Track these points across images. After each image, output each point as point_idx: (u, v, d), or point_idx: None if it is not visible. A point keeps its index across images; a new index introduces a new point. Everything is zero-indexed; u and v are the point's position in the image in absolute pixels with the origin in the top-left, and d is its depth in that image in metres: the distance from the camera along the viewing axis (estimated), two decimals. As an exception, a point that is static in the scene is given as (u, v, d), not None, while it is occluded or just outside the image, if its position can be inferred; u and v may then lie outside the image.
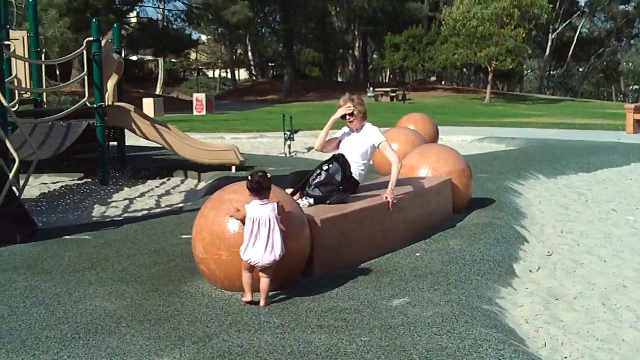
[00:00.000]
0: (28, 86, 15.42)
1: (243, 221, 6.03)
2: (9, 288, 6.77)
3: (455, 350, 5.01)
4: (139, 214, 11.12)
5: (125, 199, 12.59)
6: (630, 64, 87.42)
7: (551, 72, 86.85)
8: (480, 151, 19.14)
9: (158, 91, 61.54)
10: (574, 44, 76.98)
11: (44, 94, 16.88)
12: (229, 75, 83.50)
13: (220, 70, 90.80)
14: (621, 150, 18.52)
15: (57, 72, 33.34)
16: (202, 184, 14.18)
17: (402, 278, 6.80)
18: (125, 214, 11.10)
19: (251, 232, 5.97)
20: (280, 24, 72.68)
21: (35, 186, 13.91)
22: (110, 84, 15.40)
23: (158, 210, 11.43)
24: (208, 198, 6.78)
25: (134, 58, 75.75)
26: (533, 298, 6.76)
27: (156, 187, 14.07)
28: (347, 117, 8.21)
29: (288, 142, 19.69)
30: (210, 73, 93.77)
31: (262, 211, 5.99)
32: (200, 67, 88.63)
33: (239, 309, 5.99)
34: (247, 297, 6.07)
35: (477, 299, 6.26)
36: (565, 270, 7.77)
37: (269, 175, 6.06)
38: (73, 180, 14.70)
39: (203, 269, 6.54)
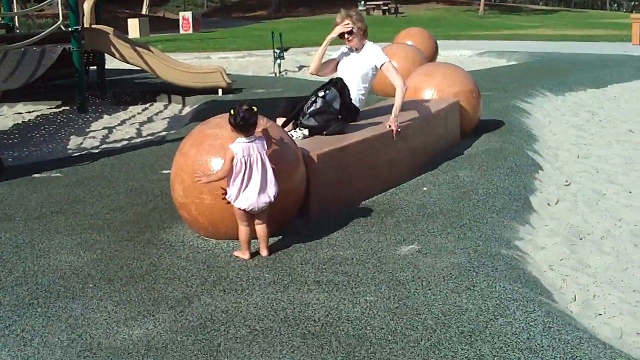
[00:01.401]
0: (-1, 10, 14.36)
1: (227, 171, 5.19)
2: (-36, 240, 5.98)
3: (478, 314, 4.24)
4: (118, 144, 10.27)
5: (104, 127, 11.70)
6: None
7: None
8: (482, 66, 18.18)
9: (144, 11, 59.99)
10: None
11: (16, 18, 15.80)
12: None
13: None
14: (630, 63, 17.57)
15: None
16: (187, 109, 13.27)
17: (409, 219, 6.01)
18: (104, 146, 10.24)
19: (243, 175, 5.15)
20: None
21: (9, 116, 13.00)
22: (87, 5, 14.31)
23: (139, 140, 10.57)
24: (188, 134, 5.93)
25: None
26: (555, 238, 6.01)
27: (138, 113, 13.16)
28: (346, 35, 7.31)
29: (278, 61, 18.70)
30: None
31: (251, 149, 5.15)
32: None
33: (225, 261, 5.22)
34: (246, 254, 5.28)
35: (496, 243, 5.49)
36: (587, 202, 7.00)
37: (254, 108, 5.20)
38: (50, 108, 13.77)
39: (184, 215, 5.74)
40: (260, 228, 5.28)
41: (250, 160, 5.12)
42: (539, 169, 7.95)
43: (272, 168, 5.21)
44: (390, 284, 4.69)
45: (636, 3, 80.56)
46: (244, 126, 5.13)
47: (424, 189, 6.86)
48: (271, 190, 5.19)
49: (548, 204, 6.90)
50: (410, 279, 4.76)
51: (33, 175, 8.04)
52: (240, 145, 5.13)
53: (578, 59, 18.35)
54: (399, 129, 6.94)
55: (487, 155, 8.03)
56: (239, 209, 5.19)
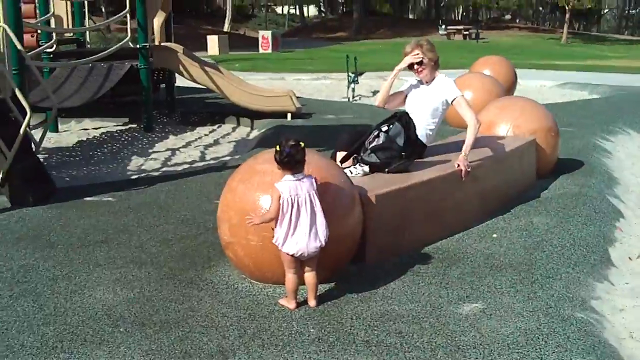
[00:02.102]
0: (70, 25, 14.26)
1: (275, 211, 4.76)
2: (1, 268, 5.67)
3: (546, 394, 3.71)
4: (179, 168, 9.96)
5: (168, 149, 11.43)
6: None
7: (630, 11, 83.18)
8: (562, 99, 17.50)
9: (226, 28, 60.46)
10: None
11: (87, 32, 15.72)
12: (298, 12, 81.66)
13: (289, 7, 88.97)
14: None
15: (103, 9, 32.36)
16: (255, 133, 12.93)
17: (474, 271, 5.49)
18: (164, 169, 9.94)
19: (290, 217, 4.71)
20: (351, -42, 70.44)
21: (75, 132, 12.85)
22: (157, 22, 14.16)
23: (201, 164, 10.24)
24: (237, 168, 5.52)
25: (202, -6, 74.47)
26: (636, 299, 5.40)
27: (205, 135, 12.88)
28: (416, 66, 6.85)
29: (352, 86, 18.30)
30: (279, 9, 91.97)
31: (299, 188, 4.72)
32: (269, 4, 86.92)
33: (268, 310, 4.78)
34: (292, 303, 4.84)
35: (569, 304, 4.93)
36: (673, 258, 6.37)
37: (302, 144, 4.76)
38: (117, 126, 13.60)
39: (229, 255, 5.33)
40: (310, 276, 4.84)
41: (298, 200, 4.69)
42: (620, 217, 7.34)
43: (323, 209, 4.77)
44: (448, 350, 4.19)
45: None
46: (289, 163, 4.71)
47: (494, 236, 6.33)
48: (322, 234, 4.74)
49: (629, 257, 6.30)
50: (471, 345, 4.24)
51: (84, 199, 7.75)
52: (287, 184, 4.71)
53: (664, 94, 17.52)
54: (469, 169, 6.42)
55: (565, 200, 7.45)
56: (287, 254, 4.76)
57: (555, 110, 12.77)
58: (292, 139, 4.76)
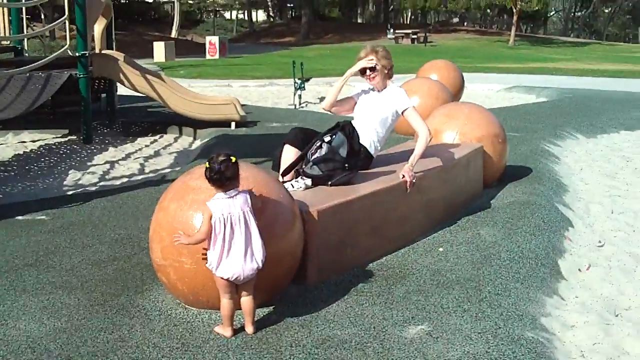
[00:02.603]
0: (7, 32, 13.82)
1: (206, 232, 4.47)
2: None
3: None
4: (117, 182, 9.63)
5: (106, 162, 11.06)
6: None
7: (576, 13, 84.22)
8: (509, 103, 17.45)
9: (174, 34, 59.93)
10: (601, -17, 74.23)
11: (26, 40, 15.26)
12: (247, 17, 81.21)
13: (237, 12, 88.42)
14: (667, 103, 16.78)
15: (42, 16, 31.70)
16: (197, 143, 12.62)
17: (420, 289, 5.26)
18: (102, 183, 9.59)
19: (224, 238, 4.42)
20: (298, -38, 70.26)
21: (12, 145, 12.43)
22: (97, 29, 13.76)
23: (140, 177, 9.92)
24: (170, 185, 5.22)
25: (149, 0, 73.70)
26: (587, 315, 5.22)
27: (145, 146, 12.53)
28: (368, 72, 6.62)
29: (298, 92, 18.04)
30: (227, 15, 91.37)
31: (232, 207, 4.43)
32: (217, 9, 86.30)
33: (203, 339, 4.49)
34: (228, 331, 4.54)
35: (519, 323, 4.72)
36: (623, 269, 6.21)
37: (233, 159, 4.47)
38: (56, 137, 13.18)
39: (162, 279, 5.03)
40: (246, 301, 4.55)
41: (231, 219, 4.40)
42: (569, 226, 7.19)
43: (259, 228, 4.49)
44: (392, 379, 3.95)
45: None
46: (220, 180, 4.42)
47: (440, 249, 6.11)
48: (259, 255, 4.46)
49: (579, 269, 6.14)
50: (416, 373, 4.02)
51: (17, 218, 7.39)
52: (218, 202, 4.41)
53: (610, 97, 17.53)
54: (414, 180, 6.20)
55: (512, 210, 7.27)
56: (221, 278, 4.47)
57: (502, 115, 12.72)
58: (223, 154, 4.47)
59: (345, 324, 4.67)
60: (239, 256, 4.42)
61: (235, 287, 4.51)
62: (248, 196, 4.50)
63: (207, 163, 4.44)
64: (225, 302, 4.51)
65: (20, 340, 4.52)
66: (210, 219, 4.39)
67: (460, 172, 7.36)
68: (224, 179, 4.41)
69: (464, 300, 5.01)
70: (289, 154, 6.32)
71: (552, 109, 15.22)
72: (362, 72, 6.66)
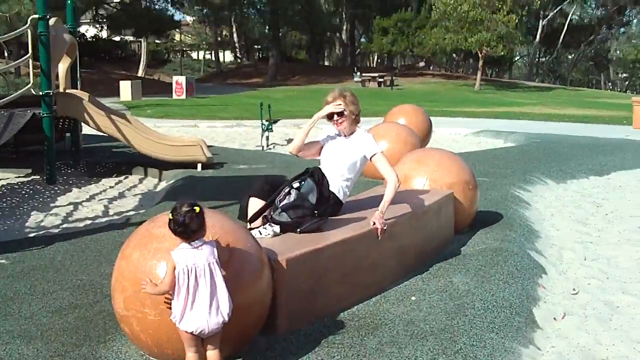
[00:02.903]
0: (-31, 69, 13.60)
1: (169, 283, 4.28)
2: None
3: None
4: (81, 224, 9.38)
5: (70, 203, 10.81)
6: (619, 52, 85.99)
7: (541, 59, 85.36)
8: (477, 147, 17.44)
9: (140, 73, 59.88)
10: (564, 30, 75.29)
11: (-11, 77, 15.06)
12: (214, 57, 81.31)
13: (204, 52, 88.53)
14: (633, 148, 16.81)
15: (5, 53, 31.37)
16: (163, 185, 12.39)
17: (393, 340, 5.08)
18: (65, 225, 9.34)
19: (187, 290, 4.23)
20: (265, 4, 70.48)
21: (-28, 185, 12.13)
22: (62, 67, 13.56)
23: (104, 219, 9.68)
24: (133, 232, 5.03)
25: (117, 39, 73.56)
26: (564, 366, 5.08)
27: (110, 187, 12.29)
28: (335, 117, 6.51)
29: (266, 134, 17.93)
30: (195, 55, 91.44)
31: (197, 257, 4.24)
32: (184, 49, 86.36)
33: (168, 394, 4.29)
34: None
35: (496, 376, 4.57)
36: (599, 317, 6.08)
37: (197, 209, 4.29)
38: (19, 177, 12.91)
39: (125, 330, 4.81)
40: (212, 355, 4.35)
41: (196, 271, 4.21)
42: (543, 273, 7.07)
43: (225, 279, 4.30)
44: None
45: (631, 83, 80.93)
46: (184, 233, 4.23)
47: (413, 298, 5.95)
48: (224, 307, 4.27)
49: (554, 318, 6.00)
50: None
51: (-31, 261, 7.13)
52: (182, 253, 4.23)
53: (578, 142, 17.58)
54: (385, 227, 6.06)
55: (485, 257, 7.14)
56: (185, 332, 4.28)
57: (471, 160, 12.66)
58: (187, 204, 4.28)
59: (316, 378, 4.49)
60: (203, 309, 4.23)
61: (201, 340, 4.32)
62: (215, 248, 4.32)
63: (171, 214, 4.24)
64: (191, 356, 4.31)
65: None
66: (174, 270, 4.21)
67: (432, 219, 7.23)
68: (188, 231, 4.23)
69: (438, 353, 4.85)
70: (256, 205, 6.16)
71: (520, 154, 15.21)
72: (330, 117, 6.55)
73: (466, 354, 4.85)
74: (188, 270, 4.18)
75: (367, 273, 6.01)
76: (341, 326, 5.33)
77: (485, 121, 24.68)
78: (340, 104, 6.50)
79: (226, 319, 4.26)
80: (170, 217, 4.22)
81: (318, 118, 6.55)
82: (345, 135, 6.62)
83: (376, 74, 55.82)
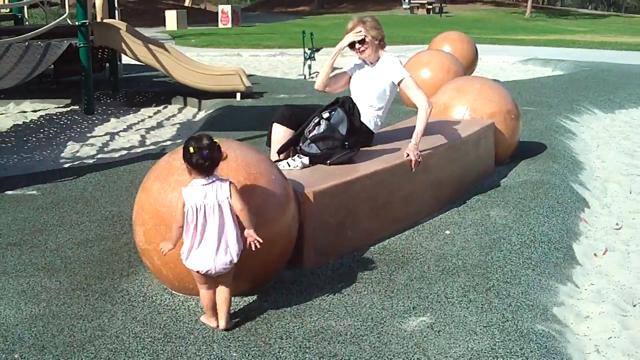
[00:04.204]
0: (7, 0, 13.47)
1: (180, 220, 4.10)
2: None
3: None
4: (116, 154, 9.30)
5: (107, 133, 10.73)
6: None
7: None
8: (525, 76, 16.93)
9: (187, 2, 59.39)
10: (621, -47, 72.99)
11: (25, 8, 14.90)
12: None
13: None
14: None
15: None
16: (202, 114, 12.25)
17: (424, 275, 4.91)
18: (100, 155, 9.27)
19: (196, 228, 4.07)
20: None
21: (11, 115, 12.09)
22: (99, -4, 13.37)
23: (140, 149, 9.59)
24: (155, 164, 4.89)
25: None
26: (602, 304, 4.86)
27: (148, 117, 12.18)
28: (357, 45, 6.24)
29: (308, 63, 17.60)
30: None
31: (208, 195, 4.05)
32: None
33: (187, 329, 4.19)
34: (213, 322, 4.22)
35: (528, 314, 4.39)
36: (642, 254, 5.85)
37: (217, 142, 4.11)
38: (58, 108, 12.85)
39: (146, 263, 4.71)
40: (220, 292, 4.19)
41: (205, 209, 4.03)
42: (585, 207, 6.82)
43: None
44: (389, 378, 3.63)
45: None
46: (202, 166, 4.03)
47: (447, 232, 5.76)
48: (233, 248, 4.09)
49: (595, 254, 5.77)
50: (415, 372, 3.69)
51: (6, 192, 7.08)
52: (193, 190, 4.05)
53: (630, 71, 16.99)
54: (419, 159, 5.83)
55: (525, 189, 6.89)
56: (193, 270, 4.15)
57: (517, 88, 12.33)
58: (206, 137, 4.09)
59: (341, 314, 4.34)
60: (210, 248, 4.07)
61: (212, 278, 4.17)
62: (229, 184, 4.12)
63: (191, 148, 4.03)
64: (204, 292, 4.19)
65: (-8, 328, 4.23)
66: (184, 207, 4.05)
67: (470, 150, 6.99)
68: (212, 164, 4.05)
69: (469, 289, 4.67)
70: (279, 132, 6.01)
71: (568, 83, 14.74)
72: (352, 45, 6.28)
73: (499, 291, 4.66)
74: (197, 208, 4.01)
75: (400, 206, 5.82)
76: (370, 261, 5.17)
77: (535, 49, 24.03)
78: (360, 31, 6.22)
79: (235, 259, 4.09)
80: (192, 150, 4.01)
81: (340, 50, 6.29)
82: (371, 63, 6.36)
83: (425, 1, 54.69)
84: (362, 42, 6.17)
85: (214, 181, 4.05)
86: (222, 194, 4.05)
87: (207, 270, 4.07)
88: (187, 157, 4.03)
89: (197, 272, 4.10)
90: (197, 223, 4.02)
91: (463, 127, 7.06)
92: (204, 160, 3.99)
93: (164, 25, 37.81)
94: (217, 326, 4.18)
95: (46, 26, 11.38)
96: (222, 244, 4.05)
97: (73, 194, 7.02)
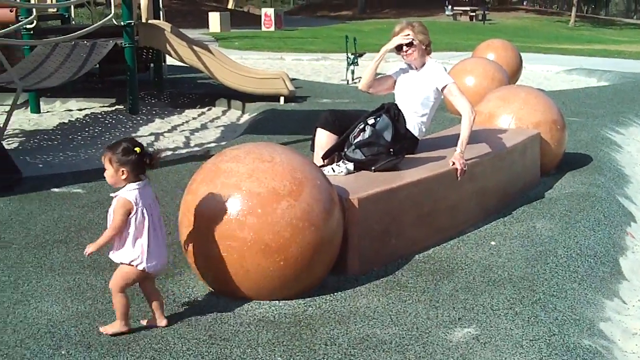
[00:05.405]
0: (54, 0, 13.63)
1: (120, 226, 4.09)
2: (-56, 271, 5.11)
3: None
4: (161, 155, 9.34)
5: (151, 133, 10.82)
6: None
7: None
8: (569, 85, 16.78)
9: (230, 5, 59.69)
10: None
11: (72, 8, 15.06)
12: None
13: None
14: None
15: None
16: (245, 117, 12.30)
17: (469, 286, 4.88)
18: (144, 155, 9.33)
19: (149, 228, 4.09)
20: None
21: (57, 113, 12.24)
22: (143, -2, 13.49)
23: (185, 150, 9.65)
24: (201, 166, 4.92)
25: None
26: (652, 321, 4.80)
27: (193, 118, 12.26)
28: (405, 48, 6.22)
29: (351, 68, 17.62)
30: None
31: (148, 195, 4.16)
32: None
33: (232, 332, 4.19)
34: (124, 327, 4.20)
35: (575, 329, 4.33)
36: (691, 269, 5.76)
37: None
38: (103, 107, 12.99)
39: (191, 264, 4.74)
40: (155, 290, 4.35)
41: (151, 208, 4.12)
42: (632, 221, 6.73)
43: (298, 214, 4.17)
44: (434, 389, 3.60)
45: None
46: (147, 167, 4.13)
47: (492, 243, 5.71)
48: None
49: (642, 269, 5.70)
50: (460, 383, 3.66)
51: (51, 190, 7.17)
52: (139, 192, 4.08)
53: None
54: (465, 168, 5.80)
55: (571, 201, 6.82)
56: (144, 272, 4.15)
57: (561, 98, 12.21)
58: (132, 139, 4.18)
59: (385, 322, 4.32)
60: (162, 246, 4.20)
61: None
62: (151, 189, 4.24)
63: (139, 147, 4.06)
64: (124, 297, 4.19)
65: (40, 324, 4.29)
66: (128, 214, 4.06)
67: (516, 160, 6.93)
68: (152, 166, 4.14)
69: (515, 302, 4.62)
70: (323, 137, 6.01)
71: (614, 94, 14.57)
72: (398, 48, 6.26)
73: (545, 304, 4.61)
74: (147, 209, 4.10)
75: (445, 215, 5.79)
76: (415, 269, 5.15)
77: (579, 59, 23.80)
78: (408, 34, 6.20)
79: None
80: (138, 150, 4.05)
81: (386, 51, 6.29)
82: (416, 68, 6.34)
83: (468, 8, 54.48)
84: (409, 45, 6.16)
85: (146, 182, 4.15)
86: (154, 194, 4.21)
87: (162, 269, 4.21)
88: (132, 157, 4.03)
89: (152, 272, 4.15)
90: (153, 223, 4.09)
91: (509, 137, 7.01)
92: (152, 160, 4.09)
93: (207, 27, 38.07)
94: (160, 324, 4.23)
95: (92, 26, 11.52)
96: (164, 241, 4.22)
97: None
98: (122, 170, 4.04)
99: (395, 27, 6.33)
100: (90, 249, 4.08)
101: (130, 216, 4.03)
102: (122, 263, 4.12)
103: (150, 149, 4.17)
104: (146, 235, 4.07)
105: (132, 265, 4.09)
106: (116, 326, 4.16)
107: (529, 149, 7.17)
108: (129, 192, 4.04)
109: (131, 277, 4.13)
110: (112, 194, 4.17)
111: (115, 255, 4.15)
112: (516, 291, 4.78)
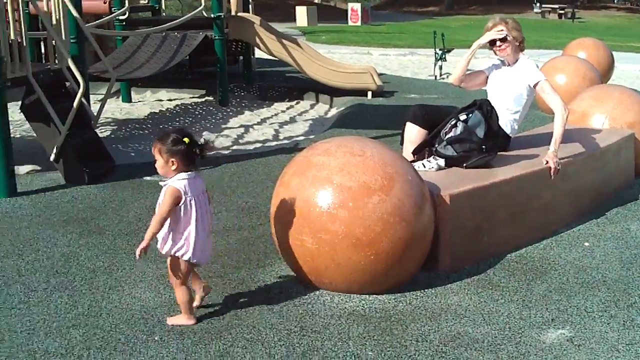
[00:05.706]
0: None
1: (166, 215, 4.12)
2: (42, 255, 5.27)
3: None
4: (250, 147, 9.47)
5: (241, 125, 10.94)
6: None
7: None
8: (664, 86, 16.36)
9: (317, -1, 59.94)
10: None
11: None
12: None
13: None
14: None
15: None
16: (333, 111, 12.33)
17: (562, 287, 4.80)
18: (235, 147, 9.46)
19: (198, 219, 4.11)
20: None
21: (148, 103, 12.48)
22: (234, -10, 13.63)
23: (274, 143, 9.72)
24: (292, 159, 4.95)
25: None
26: None
27: (281, 111, 12.35)
28: (498, 43, 6.14)
29: (439, 63, 17.48)
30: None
31: (198, 186, 4.18)
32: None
33: (323, 324, 4.21)
34: (191, 319, 4.24)
35: (673, 335, 4.23)
36: None
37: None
38: (193, 98, 13.19)
39: (283, 256, 4.78)
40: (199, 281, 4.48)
41: (199, 199, 4.14)
42: None
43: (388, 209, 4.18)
44: (527, 391, 3.56)
45: None
46: (198, 158, 4.16)
47: (586, 244, 5.61)
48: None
49: None
50: (555, 386, 3.61)
51: (144, 178, 7.31)
52: (189, 182, 4.11)
53: None
54: (559, 166, 5.70)
55: (667, 204, 6.66)
56: (191, 264, 4.21)
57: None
58: (182, 130, 4.20)
59: (477, 320, 4.29)
60: (208, 239, 4.26)
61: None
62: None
63: (187, 138, 4.08)
64: (185, 291, 4.22)
65: (134, 309, 4.39)
66: (177, 203, 4.08)
67: (610, 160, 6.79)
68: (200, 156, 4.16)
69: (610, 305, 4.53)
70: (412, 132, 5.97)
71: None
72: (492, 43, 6.18)
73: (640, 308, 4.52)
74: (196, 200, 4.12)
75: (538, 214, 5.70)
76: (507, 268, 5.09)
77: (674, 58, 23.16)
78: (502, 30, 6.11)
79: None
80: (187, 141, 4.07)
81: (479, 46, 6.21)
82: (509, 64, 6.24)
83: (557, 6, 53.51)
84: (503, 40, 6.07)
85: (196, 175, 4.16)
86: (203, 184, 4.20)
87: (205, 261, 4.26)
88: (182, 146, 4.05)
89: (194, 263, 4.18)
90: (200, 215, 4.10)
91: (602, 136, 6.87)
92: (201, 152, 4.11)
93: (294, 20, 38.24)
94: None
95: (183, 17, 11.69)
96: (210, 233, 4.27)
97: (210, 184, 7.10)
98: (172, 161, 4.06)
99: (488, 22, 6.26)
100: (141, 245, 4.14)
101: (179, 205, 4.06)
102: (168, 255, 4.17)
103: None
104: (194, 226, 4.09)
105: (178, 257, 4.14)
106: (181, 319, 4.22)
107: (623, 149, 7.01)
108: (178, 182, 4.07)
109: (182, 268, 4.17)
110: (160, 183, 4.18)
111: (162, 246, 4.20)
112: (611, 294, 4.69)
